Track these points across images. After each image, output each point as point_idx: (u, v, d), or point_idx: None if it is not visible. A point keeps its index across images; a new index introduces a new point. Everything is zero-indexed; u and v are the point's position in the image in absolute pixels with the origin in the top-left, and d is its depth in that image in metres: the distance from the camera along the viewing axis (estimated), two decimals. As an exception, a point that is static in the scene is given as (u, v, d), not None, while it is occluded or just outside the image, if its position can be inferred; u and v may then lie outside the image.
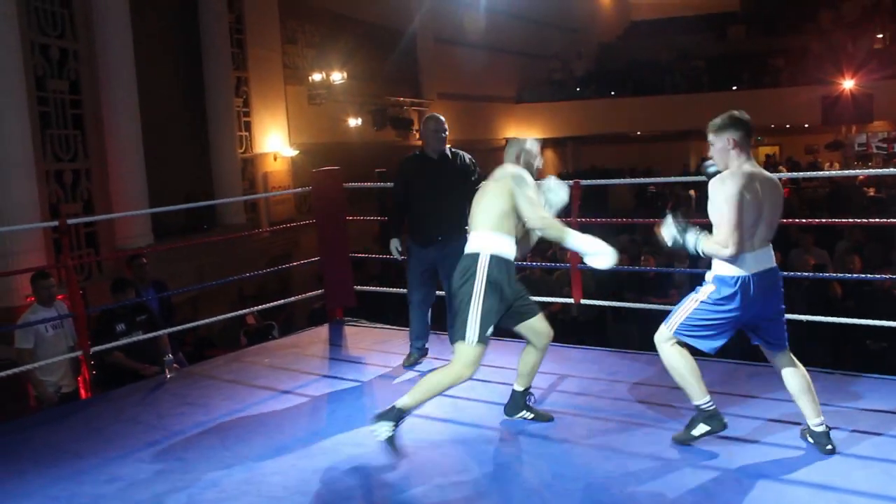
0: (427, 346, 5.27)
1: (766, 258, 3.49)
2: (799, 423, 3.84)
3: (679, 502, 3.17)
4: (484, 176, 4.42)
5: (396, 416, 3.64)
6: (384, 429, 3.61)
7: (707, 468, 3.44)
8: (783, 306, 3.62)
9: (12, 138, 8.23)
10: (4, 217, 7.86)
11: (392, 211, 5.18)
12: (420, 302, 5.11)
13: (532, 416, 4.05)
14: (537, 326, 3.94)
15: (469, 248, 3.72)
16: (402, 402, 3.65)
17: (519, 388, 4.05)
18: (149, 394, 5.00)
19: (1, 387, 5.78)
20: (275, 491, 3.46)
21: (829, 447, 3.49)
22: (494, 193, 3.74)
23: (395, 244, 5.13)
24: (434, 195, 4.94)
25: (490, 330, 3.65)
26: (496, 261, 3.65)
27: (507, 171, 3.79)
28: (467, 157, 5.11)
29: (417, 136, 18.13)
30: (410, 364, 5.17)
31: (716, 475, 3.38)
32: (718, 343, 3.58)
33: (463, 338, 3.62)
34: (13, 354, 5.91)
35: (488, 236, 3.68)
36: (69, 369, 5.85)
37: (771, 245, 3.52)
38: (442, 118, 5.10)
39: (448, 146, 5.07)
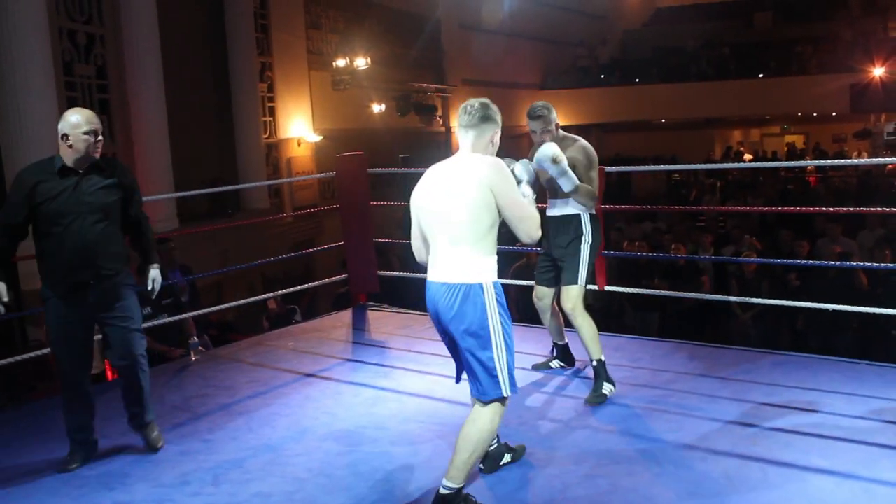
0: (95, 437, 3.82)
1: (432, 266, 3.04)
2: (824, 411, 3.82)
3: (702, 489, 3.17)
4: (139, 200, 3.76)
5: (604, 371, 4.18)
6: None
7: (730, 455, 3.44)
8: (469, 339, 2.91)
9: (41, 122, 8.30)
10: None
11: None
12: (80, 373, 3.68)
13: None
14: None
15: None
16: (594, 356, 4.17)
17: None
18: (174, 376, 5.05)
19: (30, 367, 5.88)
20: (298, 472, 3.50)
21: None
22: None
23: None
24: (82, 223, 3.48)
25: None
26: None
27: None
28: (123, 166, 3.78)
29: (440, 122, 18.09)
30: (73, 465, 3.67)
31: (739, 463, 3.37)
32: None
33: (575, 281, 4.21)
34: (42, 336, 6.00)
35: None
36: (96, 351, 5.92)
37: (447, 254, 2.96)
38: (94, 116, 3.55)
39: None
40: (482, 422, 2.95)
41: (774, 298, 6.19)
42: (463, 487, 2.98)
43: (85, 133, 3.46)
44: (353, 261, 6.38)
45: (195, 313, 6.01)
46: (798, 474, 3.25)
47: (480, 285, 2.90)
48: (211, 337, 7.50)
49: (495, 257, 2.99)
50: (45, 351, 5.29)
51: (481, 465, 3.40)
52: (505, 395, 2.95)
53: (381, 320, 6.10)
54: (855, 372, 4.42)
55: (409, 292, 7.78)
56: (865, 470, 3.25)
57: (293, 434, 3.94)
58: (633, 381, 4.43)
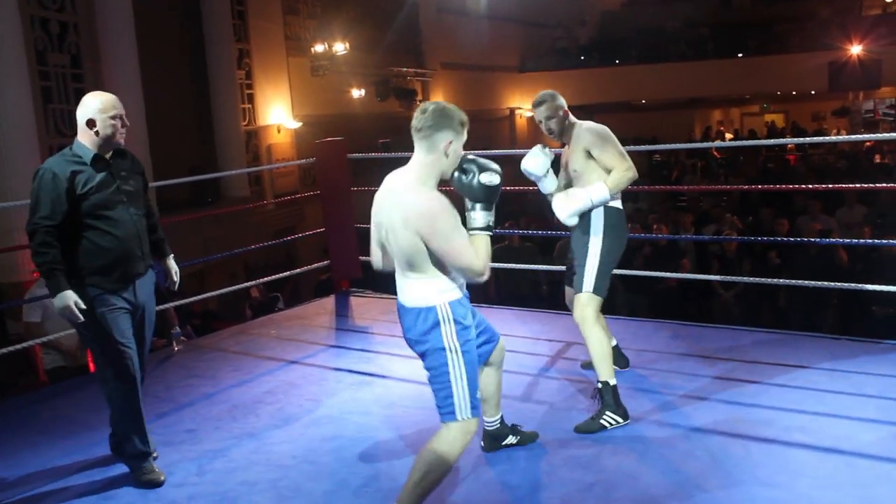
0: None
1: None
2: (806, 387, 3.85)
3: (686, 467, 3.19)
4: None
5: (611, 397, 3.58)
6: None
7: (713, 433, 3.46)
8: (427, 360, 2.86)
9: (14, 113, 8.21)
10: (8, 192, 7.86)
11: (46, 245, 3.17)
12: (139, 370, 3.41)
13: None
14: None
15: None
16: (600, 377, 3.62)
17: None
18: (157, 366, 5.01)
19: (10, 361, 5.82)
20: (283, 460, 3.49)
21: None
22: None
23: (73, 299, 3.17)
24: (126, 213, 3.35)
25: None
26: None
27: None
28: (133, 154, 3.60)
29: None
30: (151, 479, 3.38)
31: (722, 440, 3.39)
32: None
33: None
34: (21, 329, 5.95)
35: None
36: (78, 343, 5.87)
37: (402, 278, 2.86)
38: (117, 99, 3.37)
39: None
40: (439, 443, 2.77)
41: (756, 277, 6.23)
42: None
43: (112, 118, 3.29)
44: (334, 247, 6.35)
45: (177, 303, 5.97)
46: (781, 450, 3.28)
47: (434, 308, 2.74)
48: (193, 326, 7.47)
49: (451, 275, 2.76)
50: (24, 345, 5.25)
51: (482, 443, 3.42)
52: (460, 418, 2.76)
53: (364, 306, 6.08)
54: (836, 348, 4.45)
55: (391, 278, 7.78)
56: (847, 444, 3.27)
57: (277, 422, 3.93)
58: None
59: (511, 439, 3.44)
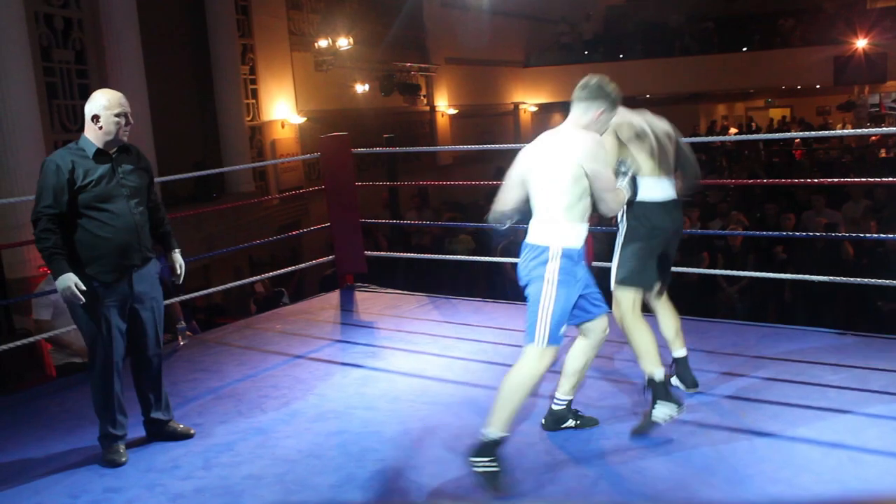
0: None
1: None
2: (811, 382, 3.86)
3: (691, 462, 3.19)
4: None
5: (662, 389, 3.42)
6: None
7: (718, 428, 3.46)
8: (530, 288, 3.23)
9: (19, 109, 8.22)
10: (14, 188, 7.88)
11: (48, 231, 3.34)
12: (118, 362, 3.57)
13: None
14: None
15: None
16: (645, 371, 3.49)
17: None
18: (163, 361, 5.02)
19: (17, 356, 5.84)
20: (289, 454, 3.50)
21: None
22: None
23: (73, 280, 3.33)
24: (125, 207, 3.47)
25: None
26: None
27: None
28: (140, 150, 3.75)
29: (424, 101, 18.00)
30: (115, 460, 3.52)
31: (727, 436, 3.39)
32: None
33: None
34: (31, 325, 5.95)
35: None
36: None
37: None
38: (124, 98, 3.49)
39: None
40: (517, 367, 3.10)
41: (761, 271, 6.22)
42: (499, 439, 3.06)
43: (116, 115, 3.43)
44: (339, 242, 6.36)
45: (182, 297, 5.98)
46: (786, 445, 3.28)
47: (548, 248, 3.07)
48: (199, 321, 7.48)
49: (580, 225, 3.12)
50: (36, 338, 5.27)
51: (542, 421, 3.55)
52: (535, 342, 3.07)
53: (369, 301, 6.09)
54: (841, 343, 4.45)
55: (396, 272, 7.79)
56: (852, 439, 3.28)
57: (283, 416, 3.94)
58: (621, 356, 4.44)
59: (571, 423, 3.54)
